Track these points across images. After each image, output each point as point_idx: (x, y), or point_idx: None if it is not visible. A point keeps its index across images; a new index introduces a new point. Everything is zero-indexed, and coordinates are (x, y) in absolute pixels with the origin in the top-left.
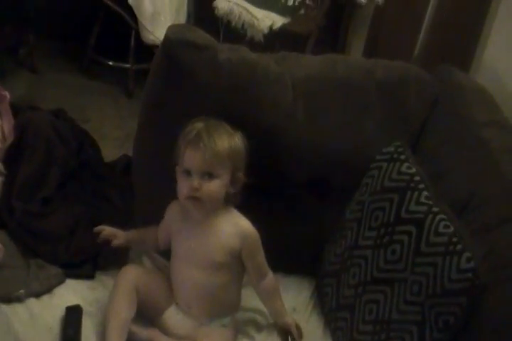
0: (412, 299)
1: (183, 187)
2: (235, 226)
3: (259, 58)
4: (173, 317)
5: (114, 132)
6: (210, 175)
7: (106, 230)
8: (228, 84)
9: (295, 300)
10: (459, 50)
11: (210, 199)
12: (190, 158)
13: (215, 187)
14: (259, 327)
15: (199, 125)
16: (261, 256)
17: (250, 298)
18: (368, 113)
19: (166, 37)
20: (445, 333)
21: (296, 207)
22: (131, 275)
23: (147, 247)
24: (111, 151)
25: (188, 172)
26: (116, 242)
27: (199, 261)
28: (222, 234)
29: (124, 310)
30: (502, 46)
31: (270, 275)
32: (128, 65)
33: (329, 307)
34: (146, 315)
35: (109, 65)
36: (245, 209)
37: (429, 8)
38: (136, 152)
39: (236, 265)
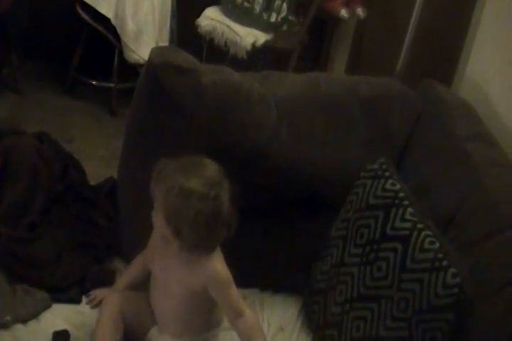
0: (399, 315)
1: None
2: (204, 269)
3: (242, 79)
4: (156, 336)
5: (99, 151)
6: (155, 211)
7: (97, 296)
8: (212, 106)
9: (282, 318)
10: (442, 64)
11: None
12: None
13: (155, 222)
14: None
15: (174, 160)
16: (233, 296)
17: None
18: (351, 130)
19: (150, 60)
20: None
21: (283, 226)
22: (115, 301)
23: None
24: (96, 171)
25: None
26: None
27: (172, 291)
28: (190, 273)
29: (110, 337)
30: (484, 59)
31: (247, 314)
32: (111, 84)
33: (317, 325)
34: (132, 336)
35: (92, 84)
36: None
37: (411, 22)
38: (120, 175)
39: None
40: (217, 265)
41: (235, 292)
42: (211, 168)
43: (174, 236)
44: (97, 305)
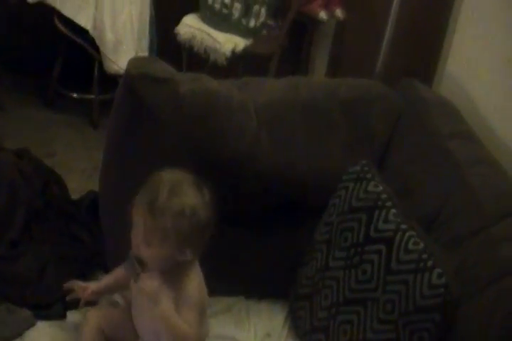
0: (385, 318)
1: (131, 237)
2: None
3: (220, 86)
4: None
5: (81, 164)
6: (148, 242)
7: (75, 286)
8: (191, 115)
9: (269, 324)
10: (422, 63)
11: (148, 262)
12: (135, 215)
13: (151, 256)
14: None
15: (158, 184)
16: (193, 316)
17: (222, 327)
18: (332, 133)
19: (127, 71)
20: None
21: (267, 232)
22: (95, 319)
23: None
24: (79, 184)
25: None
26: (86, 297)
27: (152, 310)
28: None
29: None
30: (464, 57)
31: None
32: (92, 96)
33: (304, 331)
34: None
35: (73, 96)
36: (215, 236)
37: (390, 21)
38: (102, 188)
39: None
40: (191, 287)
41: (195, 314)
42: (192, 182)
43: (178, 256)
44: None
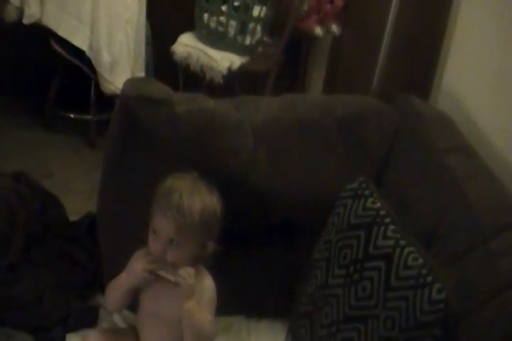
0: (386, 334)
1: (152, 245)
2: (201, 288)
3: (217, 106)
4: None
5: (79, 185)
6: (176, 243)
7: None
8: (187, 135)
9: None
10: (418, 77)
11: (174, 264)
12: (159, 222)
13: (180, 254)
14: None
15: (175, 187)
16: (207, 315)
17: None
18: (329, 151)
19: (123, 92)
20: None
21: (265, 251)
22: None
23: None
24: (78, 205)
25: (155, 233)
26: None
27: (166, 317)
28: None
29: None
30: (460, 71)
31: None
32: (89, 117)
33: None
34: None
35: (70, 117)
36: (214, 256)
37: (385, 37)
38: (99, 209)
39: None
40: (209, 285)
41: (209, 314)
42: (201, 181)
43: (201, 252)
44: None
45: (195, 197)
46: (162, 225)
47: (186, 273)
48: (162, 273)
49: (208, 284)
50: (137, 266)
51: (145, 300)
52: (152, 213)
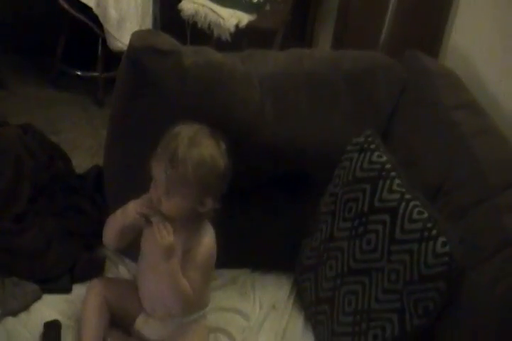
0: (390, 287)
1: (150, 192)
2: (197, 244)
3: (224, 59)
4: (144, 323)
5: (86, 142)
6: (171, 193)
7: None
8: (195, 87)
9: (274, 297)
10: (426, 34)
11: (169, 216)
12: (156, 168)
13: (174, 206)
14: (239, 327)
15: (178, 136)
16: (198, 274)
17: (227, 299)
18: (336, 105)
19: (130, 44)
20: (425, 319)
21: (272, 204)
22: (99, 288)
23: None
24: (84, 161)
25: (154, 180)
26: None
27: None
28: (182, 248)
29: (96, 324)
30: (469, 29)
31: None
32: (97, 74)
33: (309, 302)
34: (121, 325)
35: (77, 74)
36: (220, 209)
37: None
38: (106, 161)
39: None
40: (209, 242)
41: (202, 272)
42: (208, 133)
43: (199, 207)
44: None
45: (192, 149)
46: (156, 173)
47: (163, 228)
48: (154, 219)
49: (205, 242)
50: (130, 205)
51: (143, 244)
52: (154, 158)
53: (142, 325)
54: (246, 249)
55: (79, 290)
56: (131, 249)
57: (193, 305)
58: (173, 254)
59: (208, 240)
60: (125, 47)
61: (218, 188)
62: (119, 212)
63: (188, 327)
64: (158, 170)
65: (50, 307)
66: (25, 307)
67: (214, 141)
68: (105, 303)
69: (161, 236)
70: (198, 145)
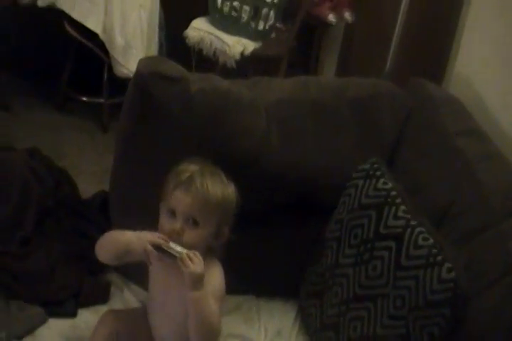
0: (395, 313)
1: (165, 226)
2: (210, 277)
3: (230, 85)
4: None
5: (91, 167)
6: (194, 222)
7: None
8: (201, 114)
9: (280, 323)
10: (431, 63)
11: (189, 246)
12: (179, 199)
13: (197, 236)
14: None
15: (194, 167)
16: (216, 305)
17: (233, 325)
18: (342, 132)
19: (138, 70)
20: None
21: (277, 230)
22: (109, 321)
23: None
24: (89, 187)
25: (172, 213)
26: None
27: (172, 312)
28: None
29: None
30: (473, 56)
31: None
32: (102, 100)
33: (314, 328)
34: None
35: (83, 100)
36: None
37: (398, 23)
38: (112, 187)
39: None
40: (218, 283)
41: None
42: (212, 165)
43: (217, 237)
44: None
45: (215, 178)
46: (181, 203)
47: (194, 256)
48: (171, 246)
49: (217, 276)
50: (145, 235)
51: (152, 281)
52: (167, 193)
53: None
54: (251, 275)
55: (84, 315)
56: (136, 274)
57: (219, 334)
58: (203, 283)
59: (218, 275)
60: (130, 74)
61: (232, 217)
62: (128, 233)
63: None
64: (186, 199)
65: (55, 331)
66: (30, 331)
67: (220, 173)
68: (115, 336)
69: (194, 263)
70: (218, 176)
